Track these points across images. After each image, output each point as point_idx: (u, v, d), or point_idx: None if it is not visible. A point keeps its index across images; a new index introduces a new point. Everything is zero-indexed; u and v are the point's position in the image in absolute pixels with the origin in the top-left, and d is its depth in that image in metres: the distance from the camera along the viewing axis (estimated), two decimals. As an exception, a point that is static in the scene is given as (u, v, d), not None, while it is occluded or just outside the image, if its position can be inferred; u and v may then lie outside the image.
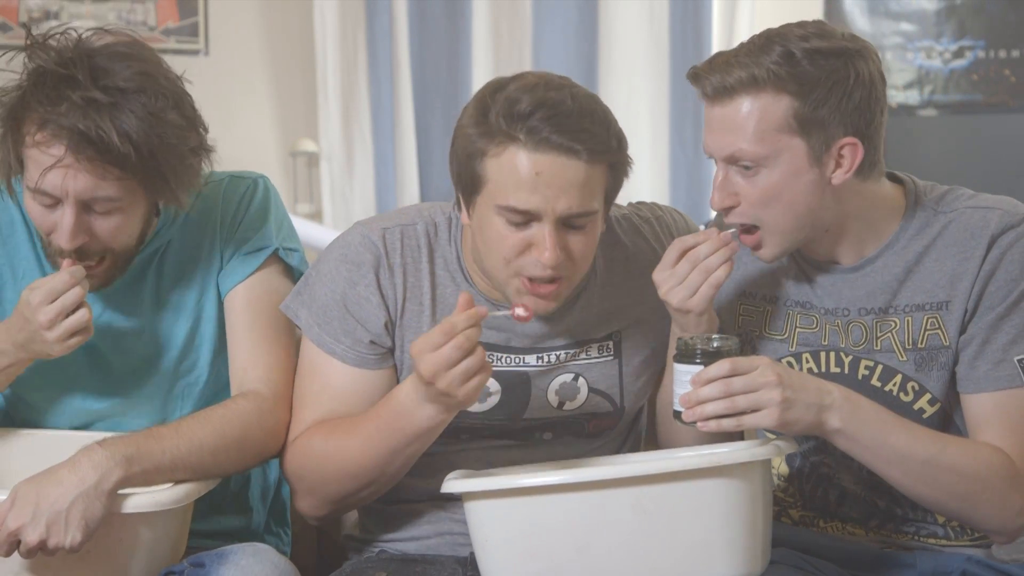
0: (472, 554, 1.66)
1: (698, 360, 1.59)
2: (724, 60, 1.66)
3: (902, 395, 1.73)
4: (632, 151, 1.71)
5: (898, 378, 1.74)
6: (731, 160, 1.67)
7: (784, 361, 1.77)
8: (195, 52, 4.67)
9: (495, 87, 1.65)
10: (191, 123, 1.64)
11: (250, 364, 1.76)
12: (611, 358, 1.81)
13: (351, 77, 4.67)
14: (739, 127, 1.64)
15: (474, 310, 1.56)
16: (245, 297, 1.78)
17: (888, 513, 1.79)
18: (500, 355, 1.75)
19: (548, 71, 1.70)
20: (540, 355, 1.77)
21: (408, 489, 1.78)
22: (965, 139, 4.86)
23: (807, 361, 1.77)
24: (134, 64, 1.60)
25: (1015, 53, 4.82)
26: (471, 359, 1.53)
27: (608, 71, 4.83)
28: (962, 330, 1.70)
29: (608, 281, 1.80)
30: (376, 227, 1.76)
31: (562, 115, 1.60)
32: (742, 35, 4.80)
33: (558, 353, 1.78)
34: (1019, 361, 1.68)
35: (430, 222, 1.78)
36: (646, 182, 4.83)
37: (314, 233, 4.46)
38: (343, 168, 4.71)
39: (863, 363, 1.75)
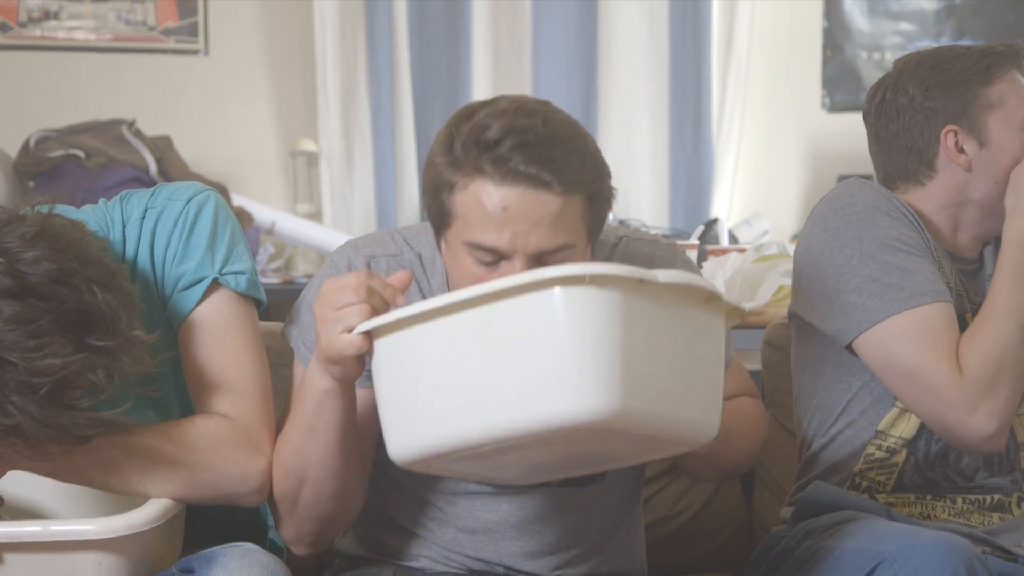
0: (470, 571, 1.66)
1: None
2: None
3: None
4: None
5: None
6: None
7: None
8: (195, 52, 4.68)
9: (464, 115, 1.54)
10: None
11: (203, 404, 1.63)
12: None
13: (351, 77, 4.67)
14: None
15: (400, 276, 1.47)
16: (189, 334, 1.63)
17: None
18: None
19: (526, 95, 1.57)
20: None
21: (403, 515, 1.74)
22: (965, 139, 4.86)
23: None
24: None
25: (1015, 53, 4.83)
26: (357, 308, 1.41)
27: (608, 71, 4.82)
28: None
29: None
30: (361, 254, 1.68)
31: (531, 143, 1.45)
32: (742, 35, 4.83)
33: None
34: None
35: (414, 253, 1.69)
36: (646, 182, 4.81)
37: (314, 233, 4.47)
38: (343, 168, 4.71)
39: None
